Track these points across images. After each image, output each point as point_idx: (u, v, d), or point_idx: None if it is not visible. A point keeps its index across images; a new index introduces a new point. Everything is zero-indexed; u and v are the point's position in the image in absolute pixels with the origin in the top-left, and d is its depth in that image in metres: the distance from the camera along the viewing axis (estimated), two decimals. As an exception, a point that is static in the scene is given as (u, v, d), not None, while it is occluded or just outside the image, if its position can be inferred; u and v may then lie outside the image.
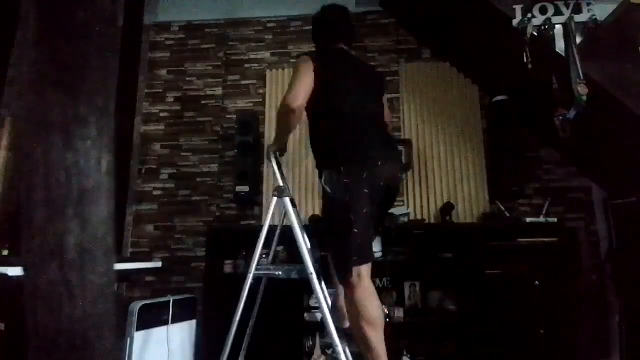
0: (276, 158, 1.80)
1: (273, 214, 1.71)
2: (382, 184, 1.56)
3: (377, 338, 1.43)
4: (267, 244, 2.68)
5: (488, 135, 2.93)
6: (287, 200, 1.68)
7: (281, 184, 1.71)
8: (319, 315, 2.47)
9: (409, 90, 3.11)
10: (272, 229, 1.73)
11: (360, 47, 3.24)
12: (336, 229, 1.55)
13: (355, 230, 1.48)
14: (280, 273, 1.72)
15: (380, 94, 1.82)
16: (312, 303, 2.56)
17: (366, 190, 1.51)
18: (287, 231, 2.70)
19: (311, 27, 1.89)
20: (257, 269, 1.65)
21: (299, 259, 2.47)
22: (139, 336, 2.19)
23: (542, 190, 2.87)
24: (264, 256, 2.65)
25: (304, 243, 1.62)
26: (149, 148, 3.23)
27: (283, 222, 1.73)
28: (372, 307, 1.46)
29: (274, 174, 1.77)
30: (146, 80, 3.32)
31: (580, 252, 2.40)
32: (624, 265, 2.49)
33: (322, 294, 1.54)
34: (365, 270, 1.50)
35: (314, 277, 1.54)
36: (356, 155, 1.56)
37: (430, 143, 2.98)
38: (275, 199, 1.70)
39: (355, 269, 1.47)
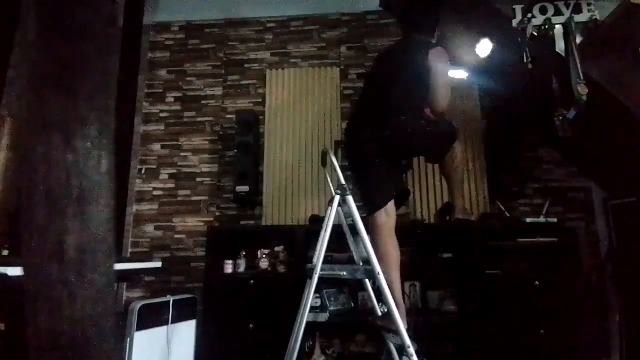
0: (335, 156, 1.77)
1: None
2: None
3: (388, 270, 1.65)
4: (267, 244, 2.74)
5: (488, 135, 2.93)
6: (351, 198, 1.63)
7: (343, 181, 1.66)
8: (319, 315, 2.47)
9: (409, 90, 3.11)
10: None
11: (360, 47, 3.25)
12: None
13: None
14: (345, 273, 1.67)
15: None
16: (312, 303, 2.55)
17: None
18: (288, 231, 2.75)
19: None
20: (321, 269, 1.59)
21: (298, 260, 2.50)
22: (139, 336, 2.19)
23: (542, 190, 2.87)
24: (264, 256, 2.68)
25: (369, 242, 1.58)
26: (149, 148, 3.23)
27: (328, 220, 1.64)
28: (390, 245, 1.73)
29: (335, 171, 1.70)
30: (146, 80, 3.33)
31: (580, 252, 2.39)
32: (624, 265, 2.50)
33: (390, 294, 1.53)
34: (385, 210, 1.78)
35: (381, 277, 1.54)
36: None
37: (430, 143, 2.97)
38: (337, 197, 1.64)
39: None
